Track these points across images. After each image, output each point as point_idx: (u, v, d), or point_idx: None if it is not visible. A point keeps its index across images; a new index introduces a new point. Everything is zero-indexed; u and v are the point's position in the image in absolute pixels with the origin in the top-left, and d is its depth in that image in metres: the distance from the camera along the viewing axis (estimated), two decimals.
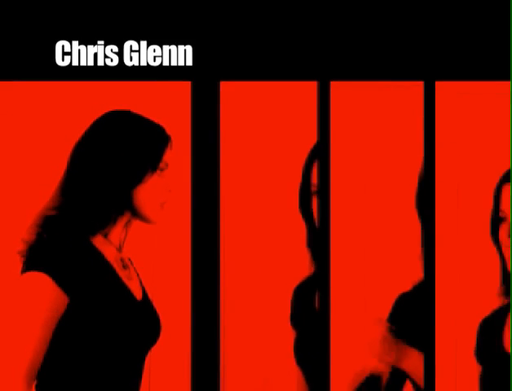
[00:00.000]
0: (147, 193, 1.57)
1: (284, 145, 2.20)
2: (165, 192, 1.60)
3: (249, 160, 2.13)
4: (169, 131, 2.01)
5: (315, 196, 1.76)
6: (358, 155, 2.02)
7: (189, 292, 1.83)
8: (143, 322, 1.58)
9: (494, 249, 1.70)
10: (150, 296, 1.69)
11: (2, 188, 2.27)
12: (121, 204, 1.56)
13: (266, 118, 2.22)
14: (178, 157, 2.21)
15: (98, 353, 1.50)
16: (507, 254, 1.69)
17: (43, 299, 1.45)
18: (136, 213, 1.58)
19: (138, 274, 1.69)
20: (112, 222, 1.57)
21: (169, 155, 1.61)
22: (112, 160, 1.55)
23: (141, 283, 1.67)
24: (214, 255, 1.80)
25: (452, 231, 1.99)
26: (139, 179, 1.56)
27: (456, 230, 2.05)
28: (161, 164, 1.59)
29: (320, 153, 1.77)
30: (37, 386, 1.49)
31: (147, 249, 2.31)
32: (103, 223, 1.55)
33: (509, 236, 1.66)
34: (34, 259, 1.48)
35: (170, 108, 2.28)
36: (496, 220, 1.70)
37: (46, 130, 2.24)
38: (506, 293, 1.73)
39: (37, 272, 1.45)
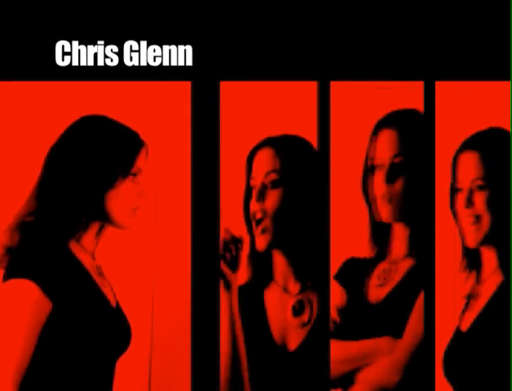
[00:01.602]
0: (118, 198, 1.57)
1: None
2: (138, 198, 1.60)
3: None
4: (169, 131, 2.02)
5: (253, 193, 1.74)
6: (358, 155, 2.02)
7: (189, 293, 1.83)
8: (117, 329, 1.59)
9: None
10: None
11: (1, 188, 2.27)
12: (92, 209, 1.56)
13: (266, 118, 2.21)
14: (179, 157, 2.21)
15: (74, 358, 1.51)
16: (463, 226, 1.66)
17: (30, 305, 1.46)
18: (107, 219, 1.58)
19: (109, 282, 1.69)
20: (83, 228, 1.57)
21: (142, 161, 1.60)
22: (83, 164, 1.55)
23: (112, 289, 1.68)
24: (215, 255, 1.80)
25: (452, 230, 1.98)
26: (109, 184, 1.56)
27: (455, 229, 2.04)
28: (133, 170, 1.58)
29: (321, 154, 1.77)
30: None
31: (148, 249, 2.31)
32: (75, 228, 1.55)
33: (464, 206, 1.65)
34: (17, 266, 1.49)
35: (170, 108, 2.28)
36: (454, 191, 1.68)
37: (45, 130, 2.24)
38: (469, 267, 1.71)
39: (23, 279, 1.46)
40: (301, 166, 1.74)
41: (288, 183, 1.72)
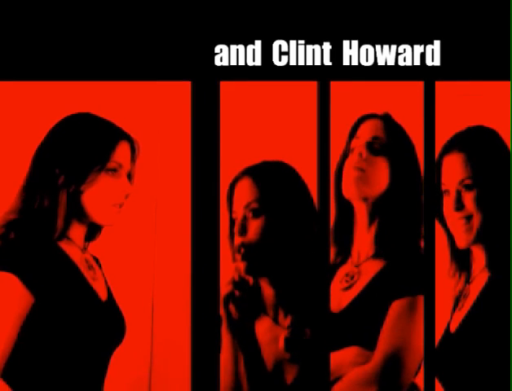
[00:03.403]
0: (95, 193, 1.56)
1: (284, 145, 2.20)
2: (119, 195, 1.58)
3: (249, 160, 2.13)
4: (169, 131, 2.00)
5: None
6: None
7: (189, 292, 1.83)
8: (107, 323, 1.59)
9: None
10: (115, 296, 1.69)
11: (1, 190, 2.27)
12: (68, 204, 1.55)
13: (266, 118, 2.22)
14: (179, 157, 2.21)
15: (62, 352, 1.51)
16: (454, 228, 1.65)
17: (10, 298, 1.46)
18: (83, 213, 1.57)
19: (103, 275, 1.69)
20: (65, 223, 1.56)
21: (122, 156, 1.59)
22: (61, 160, 1.55)
23: (106, 283, 1.67)
24: (214, 256, 1.80)
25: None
26: (83, 176, 1.55)
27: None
28: (111, 165, 1.57)
29: (322, 154, 1.77)
30: (3, 378, 1.50)
31: (148, 250, 2.31)
32: (55, 224, 1.54)
33: (454, 209, 1.63)
34: (1, 260, 1.49)
35: (170, 108, 2.28)
36: (439, 194, 1.67)
37: (42, 131, 2.24)
38: (459, 270, 1.69)
39: (4, 272, 1.47)
40: (281, 192, 1.69)
41: (269, 211, 1.67)
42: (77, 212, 1.57)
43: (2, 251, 1.51)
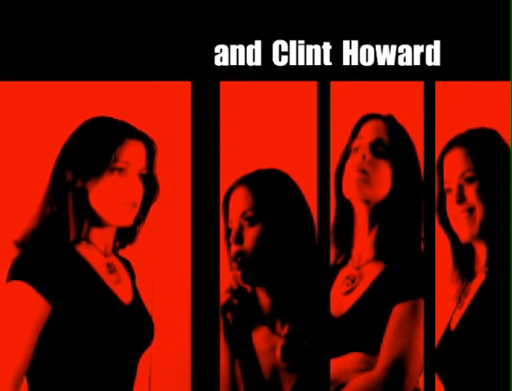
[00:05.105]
0: (100, 192, 1.55)
1: (284, 145, 2.20)
2: (127, 194, 1.57)
3: (249, 160, 2.13)
4: (169, 131, 1.99)
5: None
6: None
7: (189, 293, 1.83)
8: (131, 327, 1.57)
9: None
10: (143, 298, 1.67)
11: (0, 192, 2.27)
12: (78, 205, 1.55)
13: (266, 118, 2.22)
14: (179, 157, 2.21)
15: (85, 358, 1.50)
16: (457, 223, 1.64)
17: (26, 307, 1.46)
18: (93, 214, 1.56)
19: (131, 278, 1.68)
20: (79, 225, 1.55)
21: (130, 156, 1.57)
22: (65, 160, 1.56)
23: (133, 286, 1.66)
24: (214, 256, 1.80)
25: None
26: (87, 175, 1.53)
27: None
28: (117, 163, 1.56)
29: (322, 154, 1.77)
30: (29, 388, 1.50)
31: (147, 250, 2.31)
32: (68, 227, 1.54)
33: (456, 202, 1.62)
34: (17, 269, 1.49)
35: (170, 108, 2.28)
36: (442, 193, 1.67)
37: (47, 133, 2.24)
38: (462, 276, 1.69)
39: (19, 281, 1.46)
40: (276, 200, 1.68)
41: (265, 219, 1.66)
42: (87, 212, 1.56)
43: (18, 259, 1.50)
